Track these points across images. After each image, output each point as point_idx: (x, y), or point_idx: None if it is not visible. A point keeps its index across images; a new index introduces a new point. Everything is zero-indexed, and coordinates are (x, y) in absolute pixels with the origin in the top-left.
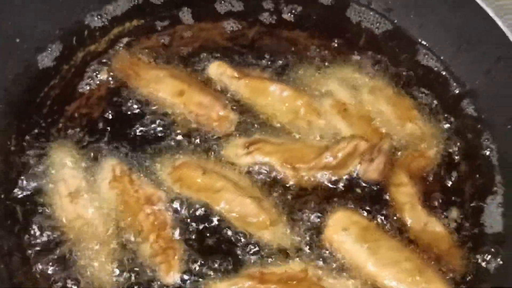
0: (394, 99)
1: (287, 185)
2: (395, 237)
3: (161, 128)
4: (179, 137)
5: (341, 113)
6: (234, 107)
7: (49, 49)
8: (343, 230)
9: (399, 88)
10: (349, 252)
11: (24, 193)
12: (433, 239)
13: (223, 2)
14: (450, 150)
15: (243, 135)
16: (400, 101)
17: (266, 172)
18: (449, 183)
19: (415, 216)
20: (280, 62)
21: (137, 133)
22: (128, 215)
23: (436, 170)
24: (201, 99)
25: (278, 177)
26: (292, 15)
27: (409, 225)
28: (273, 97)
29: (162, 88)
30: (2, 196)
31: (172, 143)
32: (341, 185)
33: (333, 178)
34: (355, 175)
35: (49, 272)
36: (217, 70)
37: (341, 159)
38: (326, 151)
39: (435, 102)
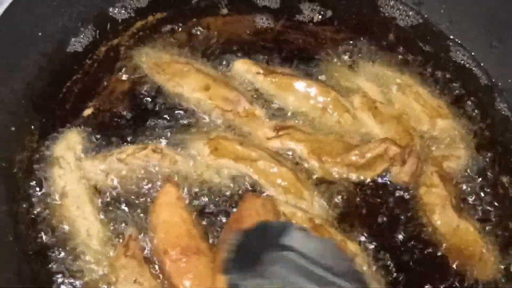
0: (424, 96)
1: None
2: None
3: (185, 122)
4: (206, 123)
5: (371, 110)
6: (261, 103)
7: (72, 43)
8: None
9: (429, 84)
10: None
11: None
12: (464, 243)
13: None
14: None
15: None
16: (430, 98)
17: (291, 158)
18: (482, 185)
19: (445, 218)
20: (307, 57)
21: (163, 127)
22: None
23: (468, 171)
24: (227, 94)
25: (303, 165)
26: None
27: (438, 228)
28: (299, 93)
29: (187, 82)
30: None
31: (199, 127)
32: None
33: (361, 177)
34: (380, 179)
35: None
36: (242, 67)
37: (369, 160)
38: (354, 149)
39: (466, 99)
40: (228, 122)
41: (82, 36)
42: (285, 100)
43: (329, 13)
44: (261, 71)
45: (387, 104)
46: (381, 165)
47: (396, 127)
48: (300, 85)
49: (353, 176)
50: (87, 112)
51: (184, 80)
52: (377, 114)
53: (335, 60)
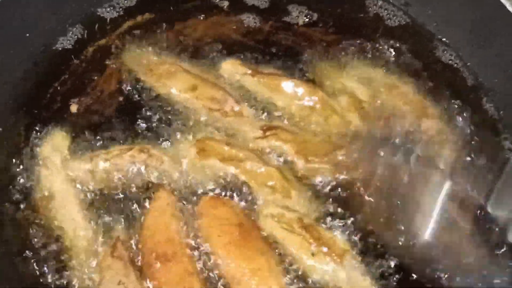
0: (410, 96)
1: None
2: None
3: (173, 122)
4: (194, 124)
5: (358, 110)
6: (248, 102)
7: (60, 43)
8: None
9: (416, 84)
10: None
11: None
12: None
13: None
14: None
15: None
16: (416, 98)
17: (278, 158)
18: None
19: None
20: (295, 57)
21: (150, 127)
22: None
23: None
24: (214, 94)
25: (290, 165)
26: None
27: None
28: (287, 94)
29: (174, 83)
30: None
31: (187, 128)
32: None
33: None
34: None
35: None
36: (230, 67)
37: (356, 159)
38: (341, 149)
39: (453, 99)
40: (215, 122)
41: (69, 35)
42: (273, 100)
43: (315, 16)
44: (249, 71)
45: (373, 104)
46: None
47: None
48: (288, 85)
49: (340, 176)
50: (73, 108)
51: (171, 80)
52: (364, 113)
53: (323, 60)
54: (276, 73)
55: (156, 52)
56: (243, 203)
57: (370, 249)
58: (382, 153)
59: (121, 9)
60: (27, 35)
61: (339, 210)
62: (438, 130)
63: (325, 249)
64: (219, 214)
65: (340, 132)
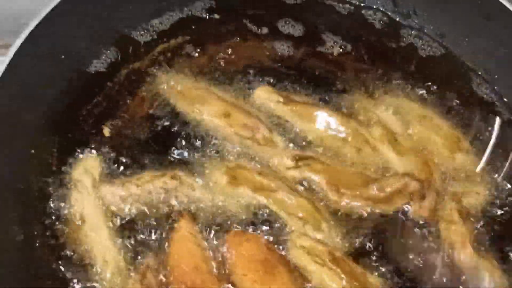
0: (444, 129)
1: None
2: None
3: (205, 148)
4: (226, 151)
5: (391, 142)
6: (280, 131)
7: (94, 65)
8: None
9: (450, 118)
10: None
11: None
12: None
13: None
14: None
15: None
16: (450, 131)
17: (310, 189)
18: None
19: (465, 256)
20: (327, 86)
21: (182, 153)
22: None
23: (488, 209)
24: (246, 121)
25: (322, 197)
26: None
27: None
28: (319, 123)
29: (207, 109)
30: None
31: (219, 155)
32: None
33: (379, 211)
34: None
35: None
36: (263, 94)
37: (389, 194)
38: (374, 182)
39: (488, 134)
40: (247, 150)
41: (103, 58)
42: (305, 129)
43: (349, 46)
44: (281, 99)
45: (406, 137)
46: (400, 200)
47: (416, 160)
48: (321, 114)
49: (372, 209)
50: (106, 132)
51: (204, 106)
52: (397, 146)
53: (356, 90)
54: (308, 102)
55: (189, 76)
56: (272, 235)
57: (401, 286)
58: None
59: (154, 32)
60: (62, 56)
61: (371, 244)
62: (471, 165)
63: (356, 284)
64: (244, 251)
65: (372, 164)
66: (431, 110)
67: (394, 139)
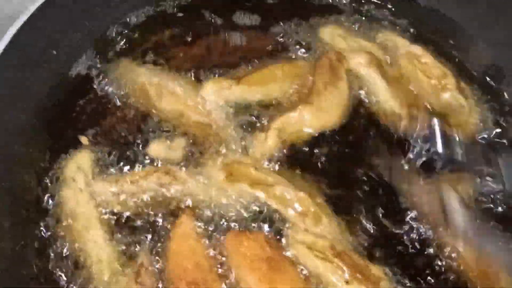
0: (430, 66)
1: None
2: None
3: (200, 144)
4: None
5: (379, 68)
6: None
7: (85, 63)
8: None
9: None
10: None
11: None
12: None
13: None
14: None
15: None
16: (437, 68)
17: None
18: None
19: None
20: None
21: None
22: None
23: None
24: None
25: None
26: None
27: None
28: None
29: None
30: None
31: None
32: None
33: None
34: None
35: None
36: (212, 87)
37: None
38: None
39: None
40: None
41: (91, 54)
42: (268, 93)
43: None
44: (232, 81)
45: (392, 68)
46: None
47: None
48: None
49: None
50: (84, 139)
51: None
52: (384, 73)
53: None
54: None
55: (171, 73)
56: (272, 230)
57: (404, 276)
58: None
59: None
60: (54, 52)
61: (372, 236)
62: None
63: (359, 277)
64: (246, 250)
65: None
66: (418, 47)
67: (380, 65)
